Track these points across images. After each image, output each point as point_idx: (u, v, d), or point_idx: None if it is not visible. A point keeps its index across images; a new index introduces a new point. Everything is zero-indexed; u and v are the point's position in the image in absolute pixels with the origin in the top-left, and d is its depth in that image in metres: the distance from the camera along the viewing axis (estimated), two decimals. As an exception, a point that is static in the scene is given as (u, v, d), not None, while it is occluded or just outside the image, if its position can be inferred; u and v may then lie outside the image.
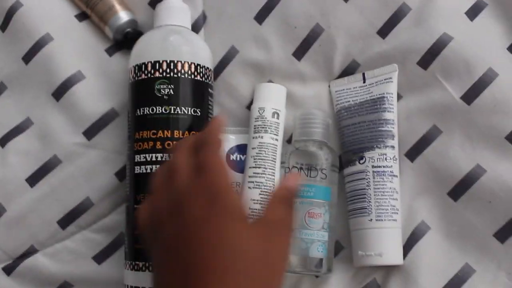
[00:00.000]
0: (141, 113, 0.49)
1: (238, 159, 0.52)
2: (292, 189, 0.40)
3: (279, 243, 0.37)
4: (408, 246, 0.49)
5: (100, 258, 0.54)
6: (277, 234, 0.37)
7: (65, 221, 0.54)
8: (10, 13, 0.56)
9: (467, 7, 0.52)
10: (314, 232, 0.48)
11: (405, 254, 0.49)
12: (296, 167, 0.50)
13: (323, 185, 0.49)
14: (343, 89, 0.53)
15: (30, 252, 0.54)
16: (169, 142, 0.48)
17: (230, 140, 0.53)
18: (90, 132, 0.54)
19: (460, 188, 0.49)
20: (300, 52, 0.54)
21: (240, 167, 0.51)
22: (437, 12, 0.51)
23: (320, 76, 0.54)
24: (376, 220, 0.48)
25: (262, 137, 0.50)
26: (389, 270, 0.50)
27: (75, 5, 0.58)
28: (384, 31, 0.53)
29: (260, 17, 0.54)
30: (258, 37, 0.54)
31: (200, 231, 0.35)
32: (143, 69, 0.49)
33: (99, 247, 0.54)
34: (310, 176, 0.49)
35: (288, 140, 0.53)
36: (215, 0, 0.56)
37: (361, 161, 0.49)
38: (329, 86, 0.54)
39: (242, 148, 0.52)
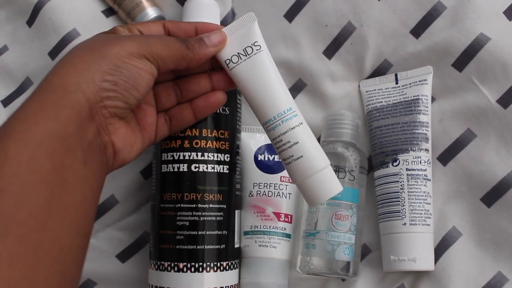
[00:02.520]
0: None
1: (266, 159, 0.51)
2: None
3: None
4: (438, 252, 0.48)
5: (123, 256, 0.53)
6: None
7: (90, 218, 0.53)
8: (37, 8, 0.56)
9: (505, 6, 0.50)
10: (341, 234, 0.47)
11: (435, 260, 0.48)
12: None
13: (351, 187, 0.48)
14: (375, 89, 0.52)
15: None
16: (197, 140, 0.47)
17: (259, 139, 0.52)
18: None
19: (494, 194, 0.48)
20: (330, 51, 0.53)
21: (268, 167, 0.51)
22: (474, 12, 0.50)
23: (351, 76, 0.53)
24: (410, 224, 0.47)
25: None
26: (418, 276, 0.49)
27: (102, 1, 0.57)
28: (417, 31, 0.51)
29: (290, 15, 0.53)
30: (287, 35, 0.53)
31: None
32: (171, 66, 0.48)
33: (123, 246, 0.53)
34: (338, 177, 0.48)
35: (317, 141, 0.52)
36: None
37: (395, 164, 0.48)
38: (359, 86, 0.53)
39: (271, 148, 0.51)
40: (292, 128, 0.40)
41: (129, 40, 0.38)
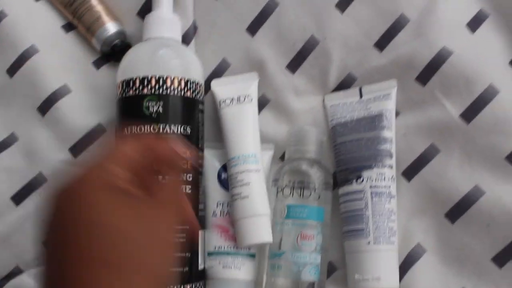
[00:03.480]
0: (129, 132, 0.47)
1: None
2: (168, 157, 0.33)
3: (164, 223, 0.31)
4: (403, 270, 0.48)
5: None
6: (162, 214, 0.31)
7: (52, 240, 0.52)
8: (-7, 24, 0.54)
9: (468, 18, 0.50)
10: (307, 255, 0.47)
11: (400, 277, 0.48)
12: (289, 186, 0.48)
13: (317, 205, 0.48)
14: (339, 104, 0.51)
15: (15, 272, 0.52)
16: (157, 163, 0.46)
17: (223, 157, 0.51)
18: (76, 149, 0.52)
19: (457, 210, 0.48)
20: (294, 65, 0.52)
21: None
22: (437, 24, 0.49)
23: (315, 90, 0.52)
24: (375, 243, 0.46)
25: None
26: (384, 292, 0.48)
27: (61, 15, 0.56)
28: (381, 44, 0.51)
29: (253, 28, 0.52)
30: (250, 49, 0.52)
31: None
32: (131, 85, 0.47)
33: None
34: (302, 196, 0.48)
35: (282, 157, 0.52)
36: (207, 10, 0.53)
37: (359, 181, 0.48)
38: (323, 100, 0.52)
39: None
40: (249, 171, 0.46)
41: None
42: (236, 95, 0.49)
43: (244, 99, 0.49)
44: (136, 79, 0.47)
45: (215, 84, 0.51)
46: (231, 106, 0.49)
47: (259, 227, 0.45)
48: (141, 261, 0.28)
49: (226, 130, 0.48)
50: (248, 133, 0.48)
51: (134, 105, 0.47)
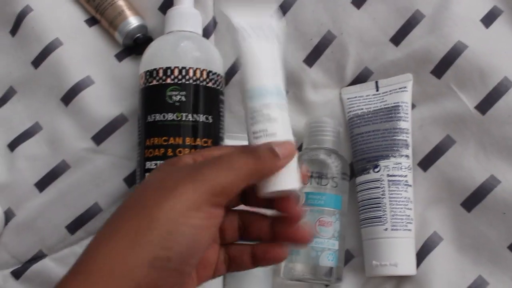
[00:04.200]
0: (152, 120, 0.48)
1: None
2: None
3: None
4: (420, 257, 0.49)
5: (108, 264, 0.53)
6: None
7: (74, 226, 0.53)
8: (20, 18, 0.56)
9: (482, 14, 0.51)
10: (325, 241, 0.48)
11: (417, 265, 0.49)
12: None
13: (334, 193, 0.49)
14: (355, 97, 0.52)
15: (38, 256, 0.54)
16: (180, 149, 0.47)
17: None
18: (99, 138, 0.54)
19: (473, 199, 0.49)
20: (311, 59, 0.53)
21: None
22: (452, 20, 0.51)
23: (332, 83, 0.54)
24: (392, 229, 0.47)
25: None
26: (400, 280, 0.49)
27: (85, 10, 0.57)
28: (397, 39, 0.52)
29: (272, 23, 0.54)
30: (269, 43, 0.54)
31: None
32: (154, 75, 0.49)
33: (108, 254, 0.53)
34: (321, 184, 0.49)
35: (299, 148, 0.53)
36: (226, 5, 0.55)
37: (376, 170, 0.49)
38: (340, 93, 0.53)
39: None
40: (278, 105, 0.37)
41: (185, 186, 0.32)
42: (259, 24, 0.39)
43: (271, 33, 0.39)
44: (159, 69, 0.49)
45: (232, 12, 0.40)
46: (257, 40, 0.38)
47: (288, 171, 0.35)
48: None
49: (250, 59, 0.38)
50: (277, 68, 0.38)
51: (157, 94, 0.48)
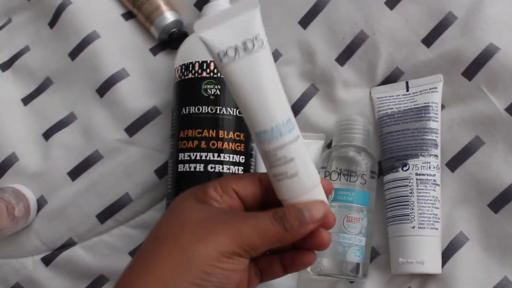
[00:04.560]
0: (187, 112, 0.49)
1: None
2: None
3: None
4: (446, 256, 0.49)
5: (137, 253, 0.54)
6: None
7: (104, 216, 0.54)
8: (59, 11, 0.57)
9: (514, 17, 0.52)
10: (352, 237, 0.49)
11: (443, 264, 0.49)
12: (336, 171, 0.50)
13: (362, 190, 0.50)
14: (386, 96, 0.53)
15: (68, 244, 0.55)
16: (213, 141, 0.48)
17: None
18: (132, 129, 0.55)
19: (501, 200, 0.49)
20: (343, 58, 0.54)
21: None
22: (484, 22, 0.51)
23: (363, 83, 0.54)
24: (419, 227, 0.48)
25: None
26: (425, 279, 0.50)
27: (122, 4, 0.59)
28: (429, 40, 0.53)
29: (305, 21, 0.55)
30: (301, 41, 0.55)
31: None
32: (190, 68, 0.50)
33: (136, 243, 0.54)
34: (350, 181, 0.50)
35: (328, 145, 0.54)
36: (261, 2, 0.55)
37: (405, 168, 0.49)
38: (370, 93, 0.54)
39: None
40: (290, 143, 0.35)
41: (220, 233, 0.34)
42: (239, 40, 0.34)
43: (253, 44, 0.34)
44: (195, 63, 0.50)
45: (201, 27, 0.34)
46: (239, 60, 0.34)
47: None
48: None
49: (242, 95, 0.34)
50: (274, 95, 0.35)
51: (193, 87, 0.50)
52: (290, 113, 0.36)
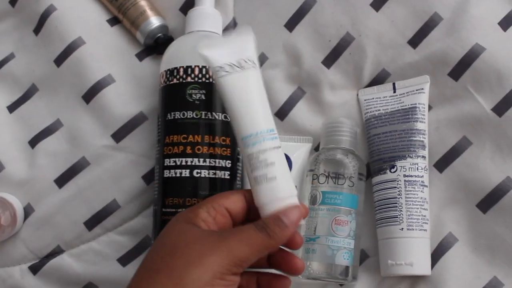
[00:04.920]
0: (172, 117, 0.49)
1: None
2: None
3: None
4: (435, 257, 0.49)
5: (125, 260, 0.54)
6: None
7: (92, 223, 0.54)
8: (43, 17, 0.57)
9: (500, 17, 0.52)
10: (341, 240, 0.48)
11: (432, 265, 0.49)
12: (324, 174, 0.50)
13: (351, 193, 0.49)
14: (373, 98, 0.53)
15: (56, 252, 0.54)
16: (199, 147, 0.48)
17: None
18: (118, 135, 0.55)
19: (489, 200, 0.49)
20: (329, 60, 0.54)
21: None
22: (470, 22, 0.51)
23: (350, 85, 0.54)
24: (407, 229, 0.48)
25: None
26: (415, 281, 0.49)
27: (107, 10, 0.58)
28: (415, 41, 0.53)
29: (291, 24, 0.55)
30: (287, 44, 0.54)
31: None
32: (175, 73, 0.50)
33: (124, 250, 0.54)
34: (337, 184, 0.49)
35: (316, 148, 0.53)
36: (246, 6, 0.56)
37: (393, 170, 0.49)
38: (357, 95, 0.54)
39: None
40: (271, 149, 0.40)
41: (211, 254, 0.36)
42: (234, 59, 0.41)
43: (246, 63, 0.41)
44: (180, 68, 0.49)
45: (204, 47, 0.42)
46: (233, 74, 0.40)
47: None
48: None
49: (233, 103, 0.41)
50: (261, 106, 0.41)
51: (178, 92, 0.49)
52: (273, 125, 0.41)
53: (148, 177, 0.54)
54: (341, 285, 0.51)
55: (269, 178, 0.39)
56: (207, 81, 0.49)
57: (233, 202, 0.40)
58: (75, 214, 0.54)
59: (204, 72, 0.49)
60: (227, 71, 0.41)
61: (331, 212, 0.49)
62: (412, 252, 0.48)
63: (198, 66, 0.49)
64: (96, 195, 0.54)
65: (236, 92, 0.40)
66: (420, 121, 0.50)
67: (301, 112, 0.54)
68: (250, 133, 0.40)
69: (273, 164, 0.40)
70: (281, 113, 0.54)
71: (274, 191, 0.40)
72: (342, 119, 0.52)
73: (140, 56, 0.57)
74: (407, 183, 0.49)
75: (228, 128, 0.49)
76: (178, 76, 0.49)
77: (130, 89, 0.56)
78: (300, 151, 0.53)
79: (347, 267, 0.48)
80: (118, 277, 0.54)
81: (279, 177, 0.40)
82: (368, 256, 0.51)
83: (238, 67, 0.41)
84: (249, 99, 0.41)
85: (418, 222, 0.48)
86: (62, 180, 0.55)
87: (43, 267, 0.54)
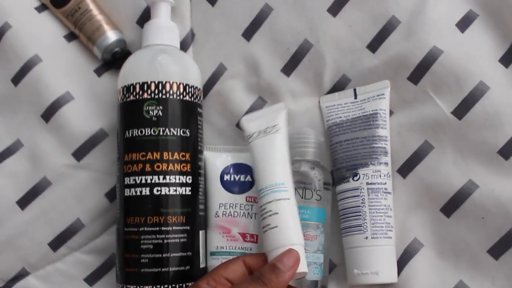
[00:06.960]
0: (130, 135, 0.48)
1: (232, 179, 0.51)
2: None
3: None
4: (401, 264, 0.49)
5: (92, 279, 0.54)
6: None
7: (56, 243, 0.53)
8: (-2, 36, 0.56)
9: (457, 18, 0.51)
10: (310, 255, 0.48)
11: (398, 272, 0.49)
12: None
13: (318, 207, 0.49)
14: (334, 105, 0.52)
15: (21, 274, 0.54)
16: (158, 164, 0.47)
17: (225, 159, 0.52)
18: (79, 153, 0.54)
19: (452, 204, 0.49)
20: (289, 68, 0.53)
21: (234, 187, 0.51)
22: (427, 25, 0.51)
23: (310, 92, 0.54)
24: (372, 238, 0.47)
25: None
26: (383, 288, 0.49)
27: (63, 26, 0.57)
28: (373, 46, 0.52)
29: (248, 34, 0.54)
30: (246, 54, 0.54)
31: None
32: (131, 90, 0.49)
33: (91, 269, 0.54)
34: (305, 198, 0.49)
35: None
36: (203, 17, 0.55)
37: (355, 178, 0.49)
38: (319, 102, 0.53)
39: (238, 168, 0.52)
40: (278, 200, 0.44)
41: None
42: (263, 127, 0.48)
43: (272, 129, 0.48)
44: (136, 84, 0.49)
45: (246, 120, 0.50)
46: (259, 138, 0.48)
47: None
48: None
49: (255, 162, 0.47)
50: (275, 162, 0.46)
51: (135, 109, 0.49)
52: (285, 179, 0.46)
53: (111, 195, 0.53)
54: (310, 295, 0.51)
55: (272, 227, 0.44)
56: (163, 96, 0.48)
57: (232, 271, 0.43)
58: (39, 235, 0.53)
59: (160, 88, 0.48)
60: (255, 137, 0.48)
61: (299, 226, 0.49)
62: (378, 261, 0.47)
63: (154, 82, 0.48)
64: (59, 215, 0.53)
65: (259, 153, 0.47)
66: (381, 127, 0.50)
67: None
68: (263, 187, 0.45)
69: (277, 214, 0.44)
70: (243, 124, 0.53)
71: (275, 239, 0.44)
72: (306, 130, 0.51)
73: (99, 71, 0.56)
74: (370, 191, 0.48)
75: (188, 143, 0.49)
76: (134, 93, 0.49)
77: (89, 106, 0.55)
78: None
79: (316, 282, 0.48)
80: (86, 297, 0.53)
81: (281, 226, 0.44)
82: (335, 265, 0.51)
83: (264, 133, 0.48)
84: (266, 158, 0.47)
85: (383, 230, 0.48)
86: (24, 202, 0.54)
87: (10, 291, 0.53)
